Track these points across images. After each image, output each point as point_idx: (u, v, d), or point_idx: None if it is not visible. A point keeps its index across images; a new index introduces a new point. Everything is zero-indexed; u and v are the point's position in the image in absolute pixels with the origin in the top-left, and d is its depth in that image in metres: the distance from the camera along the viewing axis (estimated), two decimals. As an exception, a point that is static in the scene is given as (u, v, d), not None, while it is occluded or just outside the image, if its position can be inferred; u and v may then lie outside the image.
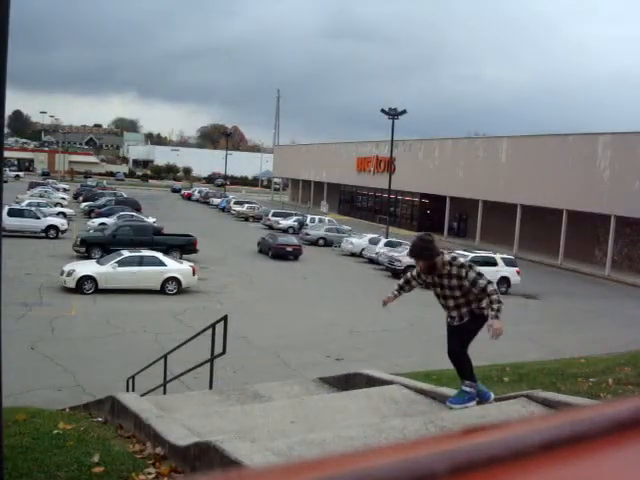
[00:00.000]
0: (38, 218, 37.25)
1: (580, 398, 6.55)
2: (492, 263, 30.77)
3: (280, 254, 35.44)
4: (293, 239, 38.08)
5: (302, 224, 49.78)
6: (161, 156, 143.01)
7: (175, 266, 25.26)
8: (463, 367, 6.15)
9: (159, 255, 25.86)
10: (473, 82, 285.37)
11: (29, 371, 14.17)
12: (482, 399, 6.17)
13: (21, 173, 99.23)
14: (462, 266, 6.04)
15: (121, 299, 22.90)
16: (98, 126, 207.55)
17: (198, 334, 9.41)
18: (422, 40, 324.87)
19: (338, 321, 21.43)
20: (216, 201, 73.21)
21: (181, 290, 24.74)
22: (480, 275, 6.07)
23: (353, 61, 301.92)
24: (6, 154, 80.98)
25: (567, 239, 41.93)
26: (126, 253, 25.24)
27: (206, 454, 4.62)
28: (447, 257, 6.08)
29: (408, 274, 6.48)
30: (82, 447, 5.66)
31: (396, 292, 6.48)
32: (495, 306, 5.93)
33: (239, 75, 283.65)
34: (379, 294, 25.20)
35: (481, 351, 18.01)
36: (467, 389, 6.08)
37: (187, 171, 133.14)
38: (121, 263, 24.36)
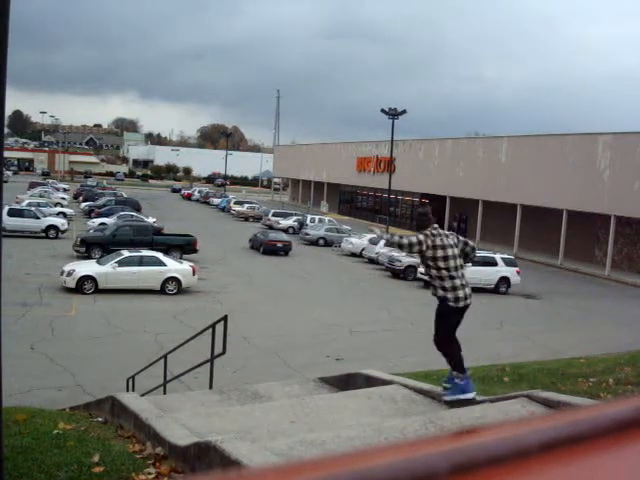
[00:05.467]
0: (38, 218, 37.24)
1: (580, 398, 6.55)
2: (492, 263, 30.75)
3: (271, 250, 37.52)
4: (283, 235, 40.64)
5: (302, 224, 49.76)
6: (161, 156, 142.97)
7: (175, 266, 25.25)
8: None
9: (159, 255, 25.84)
10: (473, 82, 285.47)
11: (29, 371, 14.16)
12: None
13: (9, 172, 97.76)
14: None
15: (121, 299, 22.89)
16: (98, 126, 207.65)
17: (198, 334, 9.40)
18: (422, 40, 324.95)
19: (338, 321, 21.42)
20: (216, 201, 73.19)
21: (181, 290, 24.73)
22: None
23: (353, 61, 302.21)
24: (6, 154, 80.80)
25: (567, 239, 41.91)
26: (126, 253, 25.23)
27: (206, 454, 4.62)
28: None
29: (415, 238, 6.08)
30: (82, 447, 5.65)
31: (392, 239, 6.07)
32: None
33: (239, 75, 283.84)
34: (379, 294, 25.15)
35: (481, 351, 17.99)
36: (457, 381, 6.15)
37: (187, 171, 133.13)
38: (121, 263, 24.35)
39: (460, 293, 6.01)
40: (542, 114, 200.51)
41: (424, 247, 5.99)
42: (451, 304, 6.00)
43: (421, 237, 6.01)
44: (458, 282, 6.04)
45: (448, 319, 6.09)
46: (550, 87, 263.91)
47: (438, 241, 6.06)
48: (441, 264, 6.02)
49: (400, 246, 6.03)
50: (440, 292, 6.04)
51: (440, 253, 6.02)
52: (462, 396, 6.06)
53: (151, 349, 15.70)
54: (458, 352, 6.13)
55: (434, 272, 6.03)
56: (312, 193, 77.99)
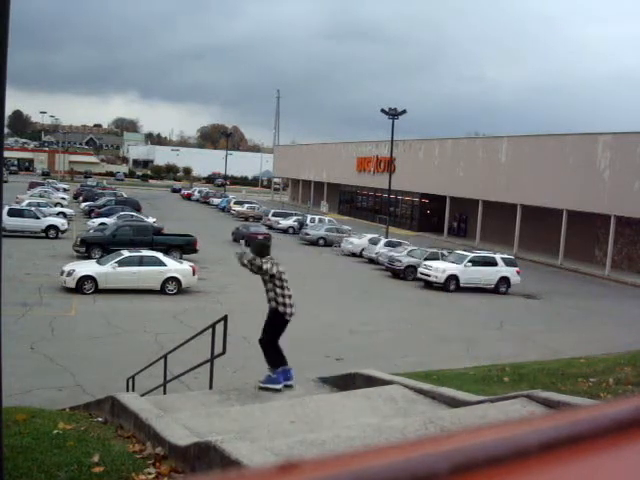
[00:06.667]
0: (38, 218, 37.22)
1: (580, 398, 6.55)
2: (492, 263, 30.74)
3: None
4: (263, 228, 43.70)
5: (302, 224, 49.75)
6: (161, 156, 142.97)
7: (175, 266, 25.24)
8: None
9: (159, 255, 25.82)
10: (474, 82, 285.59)
11: (29, 371, 14.16)
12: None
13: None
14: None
15: (121, 299, 22.88)
16: (98, 126, 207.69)
17: (198, 334, 9.40)
18: (422, 40, 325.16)
19: (338, 321, 21.42)
20: (216, 201, 73.18)
21: (181, 290, 24.72)
22: None
23: (353, 61, 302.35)
24: (6, 154, 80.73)
25: (567, 239, 41.91)
26: (126, 253, 25.21)
27: (206, 454, 4.62)
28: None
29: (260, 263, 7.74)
30: (82, 447, 5.65)
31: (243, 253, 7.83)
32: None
33: (239, 75, 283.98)
34: (379, 294, 24.98)
35: (481, 351, 17.93)
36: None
37: (187, 171, 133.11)
38: (121, 263, 24.33)
39: (289, 310, 7.76)
40: (542, 114, 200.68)
41: (273, 271, 7.63)
42: (287, 317, 7.75)
43: (268, 265, 7.66)
44: (292, 300, 7.83)
45: (277, 327, 7.82)
46: (550, 87, 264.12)
47: (281, 267, 7.80)
48: (284, 284, 7.73)
49: (252, 264, 7.64)
50: (280, 307, 7.71)
51: (284, 276, 7.78)
52: (270, 385, 7.63)
53: (151, 349, 15.70)
54: (275, 353, 7.83)
55: (278, 290, 7.69)
56: (312, 193, 77.98)
